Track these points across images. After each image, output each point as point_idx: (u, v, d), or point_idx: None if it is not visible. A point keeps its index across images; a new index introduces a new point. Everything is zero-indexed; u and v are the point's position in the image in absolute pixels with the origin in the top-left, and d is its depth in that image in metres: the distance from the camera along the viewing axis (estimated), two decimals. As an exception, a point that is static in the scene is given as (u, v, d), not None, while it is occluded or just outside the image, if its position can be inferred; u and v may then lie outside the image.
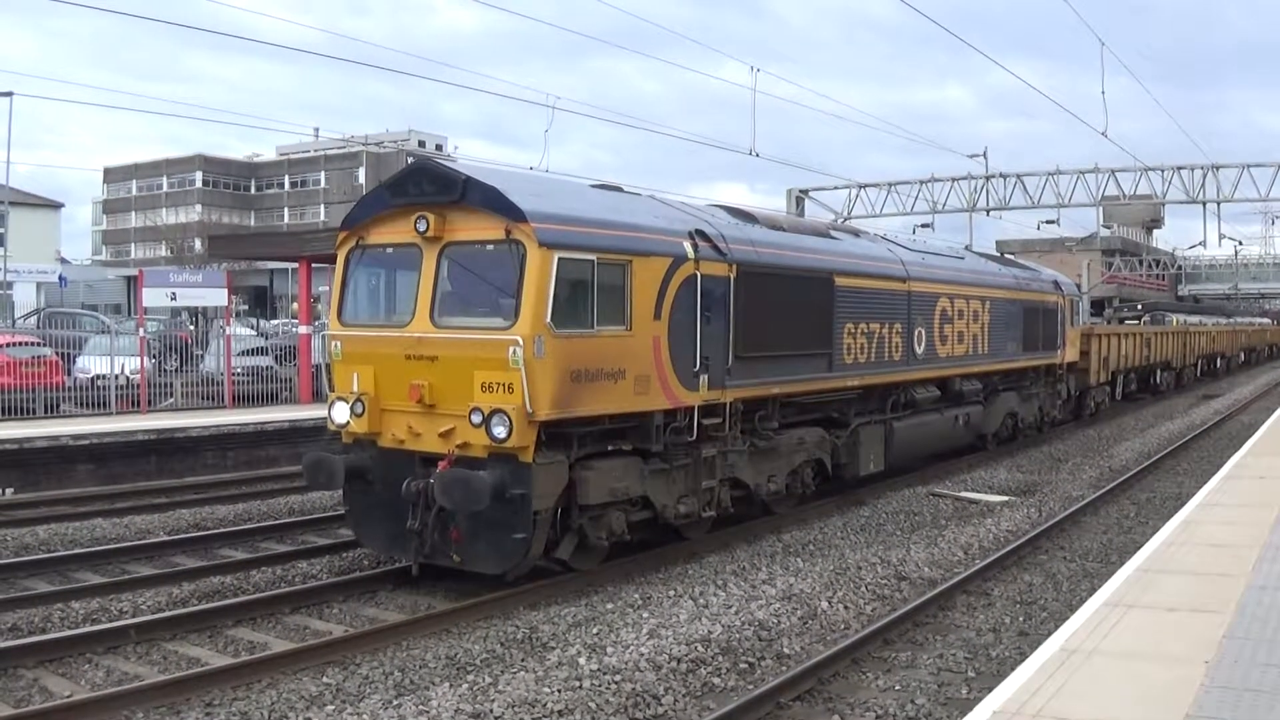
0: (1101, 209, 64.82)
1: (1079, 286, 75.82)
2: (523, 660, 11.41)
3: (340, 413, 14.43)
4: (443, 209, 13.78)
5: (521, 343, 12.92)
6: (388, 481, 14.02)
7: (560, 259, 13.30)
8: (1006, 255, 39.50)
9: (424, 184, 14.00)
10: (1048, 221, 60.15)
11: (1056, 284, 31.74)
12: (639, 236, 14.69)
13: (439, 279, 13.99)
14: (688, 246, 15.30)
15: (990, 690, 9.10)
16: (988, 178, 52.91)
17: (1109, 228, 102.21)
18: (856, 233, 24.32)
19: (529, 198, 13.58)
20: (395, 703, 10.02)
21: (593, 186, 16.72)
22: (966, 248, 32.85)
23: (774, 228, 18.54)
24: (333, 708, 10.10)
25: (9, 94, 53.85)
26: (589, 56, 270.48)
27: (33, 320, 48.91)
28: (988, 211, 53.71)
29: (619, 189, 16.90)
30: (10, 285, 57.02)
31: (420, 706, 9.75)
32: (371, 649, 11.99)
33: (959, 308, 23.99)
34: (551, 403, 13.14)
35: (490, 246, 13.67)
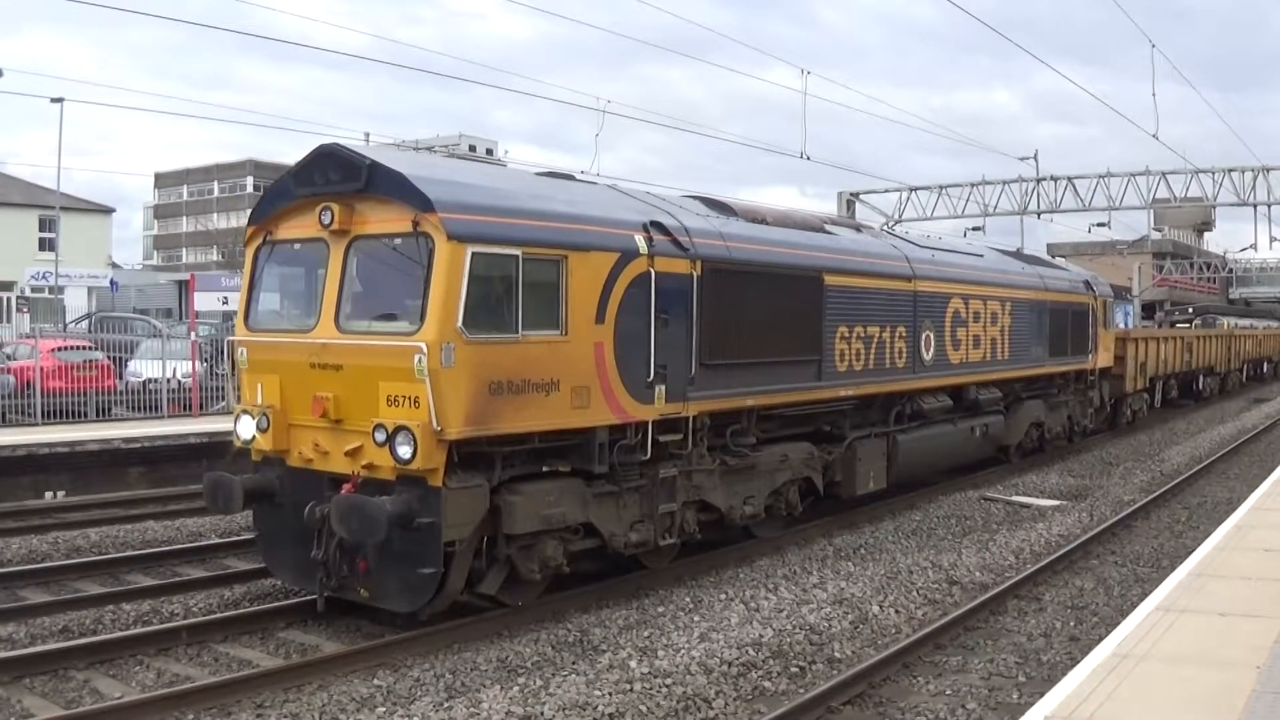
0: (1152, 212, 64.37)
1: (1130, 290, 75.20)
2: (574, 663, 11.44)
3: (245, 428, 13.19)
4: (349, 199, 12.44)
5: (426, 350, 11.46)
6: (296, 504, 12.69)
7: (474, 254, 11.86)
8: (1057, 257, 38.91)
9: (329, 171, 12.64)
10: (1099, 224, 59.87)
11: (1088, 284, 29.89)
12: (577, 229, 13.13)
13: (345, 278, 12.66)
14: (639, 240, 13.79)
15: (1041, 695, 9.08)
16: (1038, 180, 52.53)
17: (1160, 230, 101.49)
18: (858, 227, 22.15)
19: (438, 184, 12.17)
20: (446, 705, 10.04)
21: (539, 175, 15.55)
22: (1017, 250, 31.80)
23: (755, 221, 16.81)
24: (383, 709, 10.15)
25: (60, 100, 54.28)
26: (638, 62, 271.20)
27: (84, 324, 49.34)
28: (1038, 214, 53.34)
29: (570, 177, 15.74)
30: (62, 290, 57.42)
31: (471, 709, 9.76)
32: (422, 651, 12.02)
33: (974, 309, 22.28)
34: (464, 419, 11.69)
35: (398, 240, 12.27)
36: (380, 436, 11.77)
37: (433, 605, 12.34)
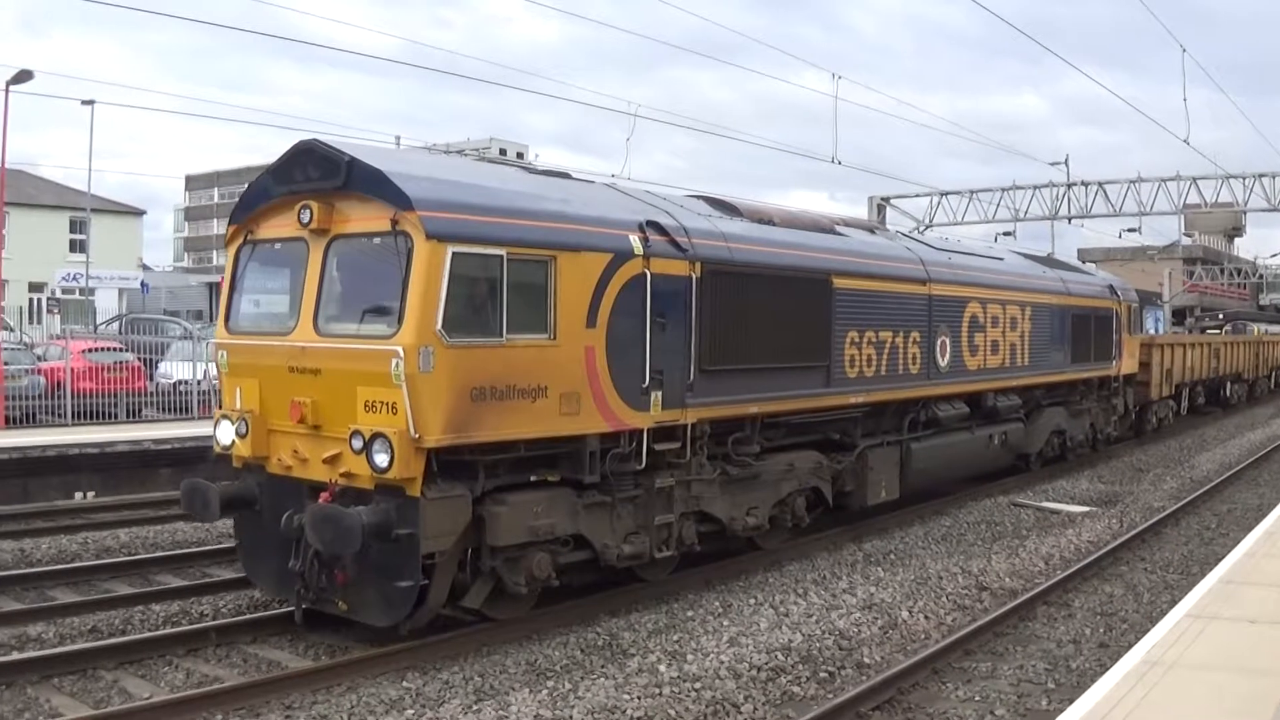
0: (1183, 217, 64.06)
1: (1161, 295, 74.86)
2: (603, 667, 11.43)
3: (224, 433, 12.80)
4: (329, 197, 11.99)
5: (403, 354, 11.01)
6: (276, 513, 12.30)
7: (455, 254, 11.36)
8: (1087, 263, 38.75)
9: (308, 168, 12.20)
10: (1129, 230, 59.69)
11: (1112, 288, 29.03)
12: (566, 228, 12.59)
13: (325, 278, 12.22)
14: (634, 240, 13.25)
15: (1070, 702, 9.07)
16: (1069, 185, 52.36)
17: (1190, 236, 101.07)
18: (872, 229, 21.35)
19: (418, 181, 11.70)
20: (475, 707, 10.04)
21: (531, 172, 15.18)
22: (1048, 255, 31.50)
23: (761, 221, 16.19)
24: (412, 712, 10.15)
25: (91, 102, 54.47)
26: (666, 65, 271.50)
27: (115, 326, 49.60)
28: (1069, 219, 53.18)
29: (566, 175, 15.12)
30: (93, 291, 57.73)
31: (500, 712, 9.78)
32: (451, 654, 12.02)
33: (993, 313, 21.47)
34: (444, 426, 11.19)
35: (377, 239, 11.80)
36: (357, 444, 11.36)
37: (414, 619, 11.98)
